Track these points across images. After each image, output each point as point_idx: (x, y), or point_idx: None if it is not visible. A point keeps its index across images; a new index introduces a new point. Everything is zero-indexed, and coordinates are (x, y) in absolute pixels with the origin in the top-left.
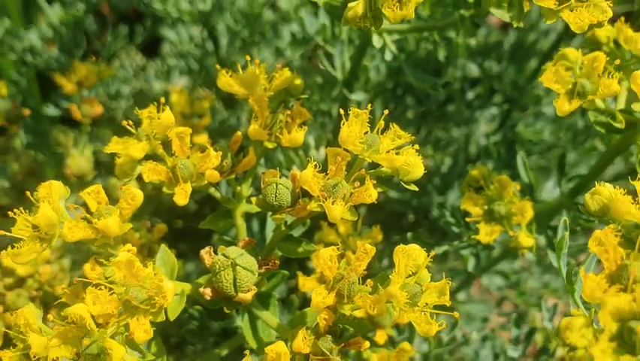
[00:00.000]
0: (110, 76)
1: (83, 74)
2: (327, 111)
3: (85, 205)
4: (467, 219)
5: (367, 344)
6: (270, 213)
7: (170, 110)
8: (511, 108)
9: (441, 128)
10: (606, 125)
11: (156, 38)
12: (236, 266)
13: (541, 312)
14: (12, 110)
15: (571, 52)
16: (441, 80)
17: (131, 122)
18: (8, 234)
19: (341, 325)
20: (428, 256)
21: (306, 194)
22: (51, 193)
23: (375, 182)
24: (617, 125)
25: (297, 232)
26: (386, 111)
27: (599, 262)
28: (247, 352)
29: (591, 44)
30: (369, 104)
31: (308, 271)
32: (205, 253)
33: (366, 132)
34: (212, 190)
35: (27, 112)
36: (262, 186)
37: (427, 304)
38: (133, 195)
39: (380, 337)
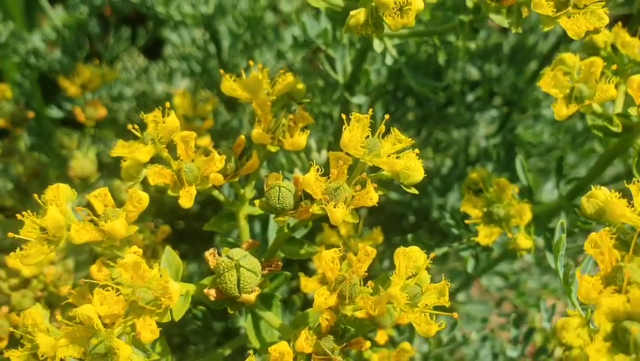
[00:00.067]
0: (113, 79)
1: (87, 76)
2: (329, 114)
3: (89, 206)
4: (467, 221)
5: (368, 344)
6: (272, 216)
7: (174, 115)
8: (510, 111)
9: (441, 130)
10: (603, 128)
11: (158, 40)
12: (240, 268)
13: (540, 312)
14: (16, 112)
15: (569, 57)
16: (441, 83)
17: (136, 127)
18: (17, 236)
19: (342, 325)
20: (428, 257)
21: (308, 196)
22: (58, 196)
23: (376, 185)
24: (614, 129)
25: (299, 234)
26: (387, 116)
27: (595, 263)
28: (250, 352)
29: (589, 49)
30: (370, 108)
31: (309, 272)
32: (209, 254)
33: (368, 136)
34: (215, 193)
35: (31, 114)
36: (265, 188)
37: (426, 305)
38: (139, 198)
39: (381, 337)
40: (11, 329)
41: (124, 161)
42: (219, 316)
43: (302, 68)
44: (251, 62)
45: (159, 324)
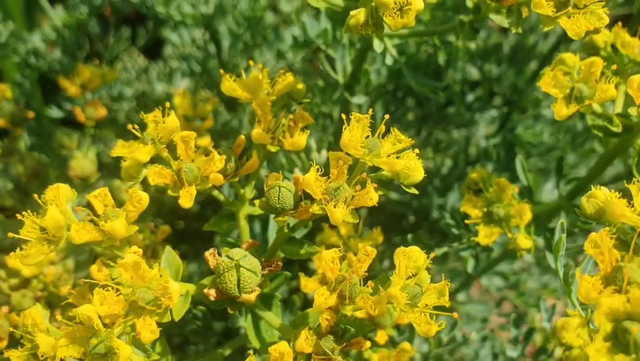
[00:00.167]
0: (113, 79)
1: (87, 76)
2: (329, 114)
3: (89, 206)
4: (467, 221)
5: (368, 344)
6: (272, 216)
7: (174, 115)
8: (510, 111)
9: (441, 130)
10: (603, 128)
11: (158, 40)
12: (240, 268)
13: (540, 312)
14: (16, 112)
15: (569, 57)
16: (441, 83)
17: (136, 127)
18: (17, 236)
19: (342, 325)
20: (428, 257)
21: (308, 196)
22: (59, 196)
23: (376, 185)
24: (614, 129)
25: (299, 234)
26: (387, 116)
27: (595, 263)
28: (250, 352)
29: (589, 49)
30: (370, 108)
31: (309, 272)
32: (209, 254)
33: (368, 137)
34: (215, 193)
35: (31, 114)
36: (265, 188)
37: (426, 305)
38: (139, 198)
39: (381, 337)
40: (11, 329)
41: (124, 161)
42: (219, 316)
43: (302, 68)
44: (251, 62)
45: (159, 324)
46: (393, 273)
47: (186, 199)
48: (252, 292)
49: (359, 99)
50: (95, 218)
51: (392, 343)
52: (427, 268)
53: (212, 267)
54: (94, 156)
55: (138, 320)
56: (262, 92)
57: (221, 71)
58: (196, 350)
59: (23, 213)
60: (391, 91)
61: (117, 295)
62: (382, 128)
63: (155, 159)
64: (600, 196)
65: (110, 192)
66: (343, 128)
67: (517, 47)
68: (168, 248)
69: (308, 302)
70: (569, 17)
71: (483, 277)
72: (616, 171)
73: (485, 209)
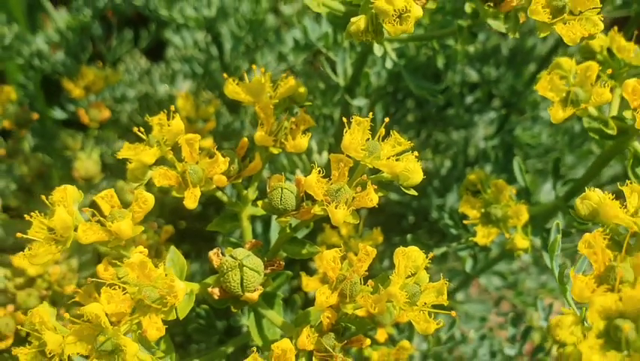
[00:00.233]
0: (116, 81)
1: (91, 78)
2: (330, 116)
3: (95, 207)
4: (465, 222)
5: (368, 341)
6: (275, 217)
7: (179, 118)
8: (509, 112)
9: (440, 132)
10: (599, 131)
11: (160, 42)
12: (243, 267)
13: (537, 311)
14: (21, 114)
15: (565, 61)
16: (440, 86)
17: (141, 129)
18: (25, 236)
19: (343, 323)
20: (427, 257)
21: (309, 197)
22: (66, 197)
23: (376, 187)
24: (609, 131)
25: (300, 234)
26: (387, 119)
27: (591, 263)
28: (254, 349)
29: (585, 53)
30: (370, 110)
31: (310, 272)
32: (213, 254)
33: (368, 139)
34: (219, 194)
35: (36, 116)
36: (268, 190)
37: (425, 303)
38: (145, 199)
39: (381, 335)
40: (19, 327)
41: (130, 163)
42: (221, 315)
43: (303, 70)
44: (254, 66)
45: (164, 322)
46: (393, 272)
47: (191, 200)
48: (254, 291)
49: (359, 102)
50: (101, 219)
51: (392, 341)
52: (426, 268)
53: (215, 266)
54: (97, 157)
55: (144, 318)
56: (265, 95)
57: (225, 74)
58: (198, 349)
59: (31, 213)
60: (391, 93)
61: (124, 294)
62: (382, 131)
63: (160, 161)
64: (594, 198)
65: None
66: (344, 131)
67: (516, 50)
68: (173, 248)
69: (309, 301)
70: (565, 23)
71: (481, 277)
72: (614, 172)
73: (483, 210)
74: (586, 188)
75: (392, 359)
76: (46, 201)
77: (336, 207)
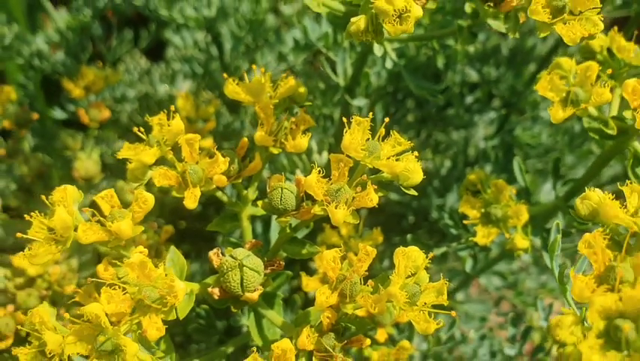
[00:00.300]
0: (116, 81)
1: (91, 78)
2: (330, 115)
3: (95, 207)
4: (465, 222)
5: (368, 341)
6: (275, 216)
7: (179, 118)
8: (509, 112)
9: (440, 132)
10: (599, 131)
11: (160, 42)
12: (244, 267)
13: (538, 311)
14: (21, 114)
15: (565, 61)
16: (440, 86)
17: (142, 129)
18: (25, 236)
19: (343, 323)
20: (427, 257)
21: (309, 197)
22: (66, 197)
23: (376, 187)
24: (609, 131)
25: (300, 234)
26: (387, 119)
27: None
28: (254, 348)
29: (585, 53)
30: (370, 110)
31: (310, 272)
32: (213, 254)
33: (368, 139)
34: (219, 194)
35: (36, 116)
36: (268, 190)
37: (425, 303)
38: (145, 199)
39: (381, 335)
40: (19, 327)
41: (130, 163)
42: (221, 315)
43: (303, 70)
44: (254, 66)
45: (164, 322)
46: (393, 272)
47: (191, 200)
48: (254, 291)
49: (359, 102)
50: (101, 219)
51: (392, 341)
52: (427, 268)
53: (216, 266)
54: (97, 158)
55: (144, 318)
56: (265, 95)
57: (225, 74)
58: (198, 349)
59: (31, 213)
60: (391, 93)
61: (124, 294)
62: (382, 131)
63: (160, 161)
64: (594, 198)
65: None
66: (344, 131)
67: (516, 50)
68: (173, 248)
69: (309, 301)
70: (565, 23)
71: (482, 277)
72: (614, 172)
73: (483, 210)
74: (586, 188)
75: (392, 359)
76: (46, 201)
77: (336, 207)
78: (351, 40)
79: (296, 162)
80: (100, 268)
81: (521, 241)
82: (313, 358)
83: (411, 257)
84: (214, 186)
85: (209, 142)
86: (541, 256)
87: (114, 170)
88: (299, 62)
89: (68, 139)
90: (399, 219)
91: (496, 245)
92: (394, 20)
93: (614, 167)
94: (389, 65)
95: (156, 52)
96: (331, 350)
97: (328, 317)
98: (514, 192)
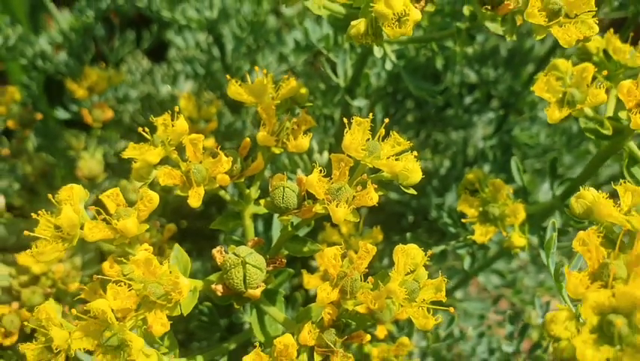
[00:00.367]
0: (119, 81)
1: (94, 79)
2: (330, 116)
3: (100, 205)
4: (463, 220)
5: (368, 337)
6: (277, 215)
7: (183, 118)
8: (507, 113)
9: (440, 132)
10: (595, 131)
11: (162, 43)
12: (246, 264)
13: (536, 309)
14: (25, 114)
15: (561, 63)
16: (439, 87)
17: (146, 129)
18: (32, 234)
19: (344, 319)
20: (426, 255)
21: (310, 196)
22: (72, 196)
23: (376, 186)
24: (605, 131)
25: (301, 233)
26: (386, 120)
27: None
28: (257, 343)
29: (582, 54)
30: (370, 111)
31: (311, 270)
32: (217, 251)
33: (368, 139)
34: (222, 193)
35: (39, 116)
36: (270, 189)
37: (424, 299)
38: (150, 198)
39: (380, 332)
40: (25, 323)
41: (135, 162)
42: (223, 312)
43: (303, 71)
44: (256, 68)
45: (168, 318)
46: (393, 269)
47: (195, 199)
48: (257, 287)
49: (359, 102)
50: (107, 217)
51: (391, 339)
52: (426, 266)
53: (219, 263)
54: (101, 157)
55: (149, 314)
56: (267, 96)
57: (228, 76)
58: (199, 347)
59: (38, 212)
60: (391, 93)
61: (129, 291)
62: (382, 131)
63: (164, 161)
64: (588, 197)
65: None
66: (345, 131)
67: (514, 51)
68: (177, 246)
69: (310, 299)
70: (561, 26)
71: (480, 275)
72: (612, 172)
73: (481, 208)
74: (580, 187)
75: (392, 355)
76: (53, 200)
77: (337, 206)
78: (351, 42)
79: (297, 162)
80: (105, 265)
81: (518, 239)
82: (314, 353)
83: (410, 255)
84: (217, 185)
85: (211, 142)
86: (539, 254)
87: (116, 169)
88: (300, 63)
89: (72, 139)
90: (398, 218)
91: (494, 244)
92: (393, 23)
93: (613, 167)
94: (389, 66)
95: (158, 53)
96: (332, 346)
97: (329, 313)
98: (511, 192)
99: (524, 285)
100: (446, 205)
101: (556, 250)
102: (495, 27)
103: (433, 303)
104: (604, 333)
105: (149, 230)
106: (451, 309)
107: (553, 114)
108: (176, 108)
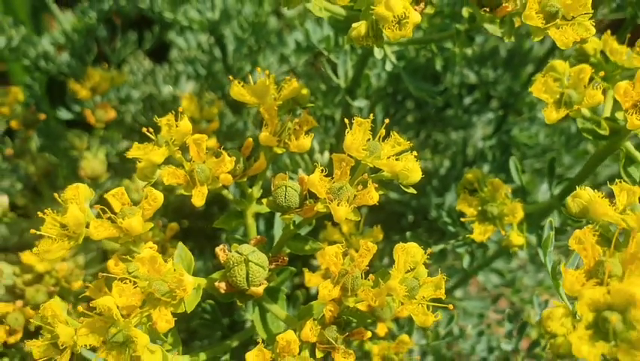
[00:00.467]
0: (121, 82)
1: (97, 80)
2: (331, 116)
3: (105, 204)
4: (462, 220)
5: (369, 333)
6: (279, 214)
7: (187, 119)
8: (506, 113)
9: (439, 132)
10: (592, 132)
11: (164, 43)
12: (249, 262)
13: (535, 308)
14: (28, 114)
15: (559, 64)
16: (439, 87)
17: (151, 130)
18: (38, 232)
19: (345, 316)
20: (425, 253)
21: (312, 195)
22: (78, 195)
23: (376, 185)
24: (602, 132)
25: (303, 231)
26: (387, 120)
27: None
28: (260, 340)
29: (580, 56)
30: (371, 111)
31: (312, 269)
32: (220, 250)
33: (369, 139)
34: (225, 192)
35: (43, 116)
36: (272, 188)
37: (423, 297)
38: (154, 197)
39: (381, 330)
40: (32, 320)
41: (139, 162)
42: (225, 311)
43: (304, 72)
44: (258, 69)
45: (172, 315)
46: (393, 267)
47: (198, 198)
48: (259, 285)
49: (360, 103)
50: (112, 216)
51: (392, 337)
52: (426, 265)
53: (222, 261)
54: (103, 157)
55: (154, 311)
56: (269, 97)
57: (230, 77)
58: (201, 345)
59: (44, 210)
60: (391, 94)
61: (134, 288)
62: (382, 131)
63: (168, 161)
64: (584, 196)
65: None
66: (346, 131)
67: (514, 52)
68: (181, 244)
69: (311, 298)
70: (558, 28)
71: (480, 274)
72: (611, 172)
73: (480, 208)
74: (576, 187)
75: (392, 352)
76: (58, 199)
77: (338, 205)
78: (352, 43)
79: (298, 162)
80: (110, 263)
81: (517, 238)
82: (316, 349)
83: (410, 253)
84: (220, 184)
85: (212, 142)
86: (538, 254)
87: (119, 169)
88: (300, 64)
89: (75, 139)
90: (399, 218)
91: (493, 243)
92: (394, 26)
93: (612, 167)
94: (389, 67)
95: (160, 53)
96: (333, 342)
97: (331, 310)
98: (509, 191)
99: (523, 284)
100: (446, 205)
101: (555, 249)
102: (493, 29)
103: (433, 300)
104: (599, 329)
105: (152, 229)
106: (451, 306)
107: (551, 115)
108: (180, 109)
